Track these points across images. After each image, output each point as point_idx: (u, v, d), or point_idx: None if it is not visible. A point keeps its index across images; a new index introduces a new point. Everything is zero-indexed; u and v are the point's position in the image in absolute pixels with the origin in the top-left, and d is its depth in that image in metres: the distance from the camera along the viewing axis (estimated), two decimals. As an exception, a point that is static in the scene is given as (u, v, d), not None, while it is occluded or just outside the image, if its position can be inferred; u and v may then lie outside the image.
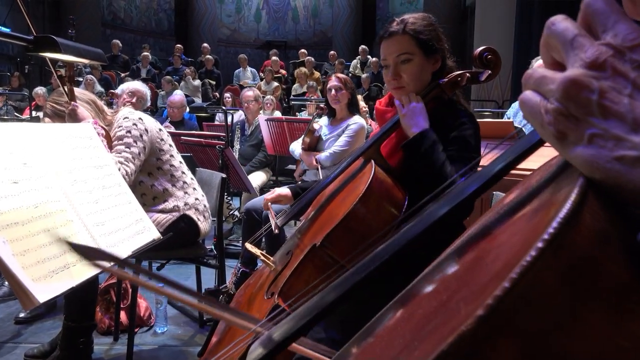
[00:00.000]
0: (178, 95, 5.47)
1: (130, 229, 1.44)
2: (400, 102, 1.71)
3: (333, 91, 3.49)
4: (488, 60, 1.71)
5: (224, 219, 4.45)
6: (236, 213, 4.53)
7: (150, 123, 2.51)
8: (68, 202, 1.24)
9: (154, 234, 1.53)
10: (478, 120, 1.82)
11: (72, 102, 2.25)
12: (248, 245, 1.75)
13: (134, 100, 3.63)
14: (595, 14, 0.39)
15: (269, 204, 2.04)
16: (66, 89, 2.24)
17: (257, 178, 4.76)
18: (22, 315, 2.96)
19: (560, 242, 0.34)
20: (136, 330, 2.90)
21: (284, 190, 2.09)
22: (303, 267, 1.54)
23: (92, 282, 2.39)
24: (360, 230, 1.52)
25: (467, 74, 1.73)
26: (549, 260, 0.34)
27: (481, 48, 1.73)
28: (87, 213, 1.29)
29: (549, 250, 0.34)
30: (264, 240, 3.41)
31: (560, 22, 0.41)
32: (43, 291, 1.01)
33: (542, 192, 0.44)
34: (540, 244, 0.34)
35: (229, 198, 5.08)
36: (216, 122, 6.93)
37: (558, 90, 0.39)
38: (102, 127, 2.35)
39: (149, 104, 3.90)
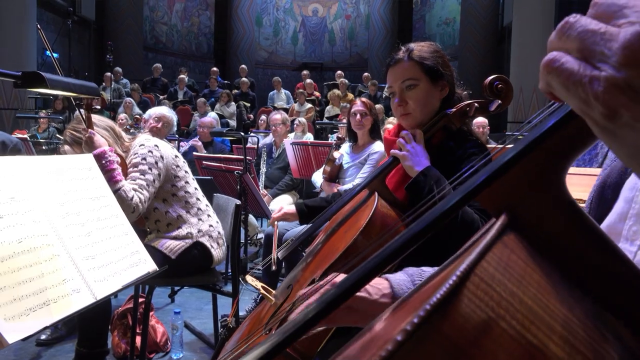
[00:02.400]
0: (209, 117, 5.61)
1: (124, 262, 1.43)
2: (398, 144, 1.67)
3: (358, 116, 3.45)
4: (499, 90, 1.65)
5: (249, 242, 4.46)
6: (259, 236, 4.52)
7: (166, 150, 2.54)
8: (56, 236, 1.23)
9: (150, 267, 1.51)
10: (503, 145, 1.75)
11: (89, 130, 2.28)
12: (248, 278, 1.72)
13: (159, 125, 3.70)
14: None
15: (276, 223, 2.03)
16: (84, 116, 2.29)
17: (283, 201, 4.74)
18: (43, 337, 3.00)
19: (423, 334, 0.29)
20: (152, 355, 2.90)
21: (290, 208, 2.07)
22: (302, 301, 1.50)
23: (105, 309, 2.41)
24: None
25: (475, 104, 1.68)
26: (407, 355, 0.29)
27: (492, 77, 1.67)
28: (77, 247, 1.28)
29: (409, 344, 0.29)
30: (284, 264, 3.38)
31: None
32: (15, 330, 1.00)
33: (452, 263, 0.40)
34: (399, 337, 0.29)
35: (257, 221, 5.09)
36: (248, 145, 7.00)
37: (619, 52, 0.30)
38: (118, 154, 2.38)
39: (175, 129, 3.96)
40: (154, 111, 3.90)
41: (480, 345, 0.29)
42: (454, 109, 1.70)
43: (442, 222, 0.44)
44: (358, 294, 0.94)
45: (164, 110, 3.89)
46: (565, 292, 0.35)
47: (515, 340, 0.30)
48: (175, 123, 3.93)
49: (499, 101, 1.65)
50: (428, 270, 0.79)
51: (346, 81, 10.93)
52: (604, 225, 0.55)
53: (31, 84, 1.11)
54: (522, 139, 0.42)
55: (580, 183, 1.86)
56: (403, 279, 0.75)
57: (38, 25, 2.29)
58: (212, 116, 6.76)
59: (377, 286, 0.82)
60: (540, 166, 0.40)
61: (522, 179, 0.40)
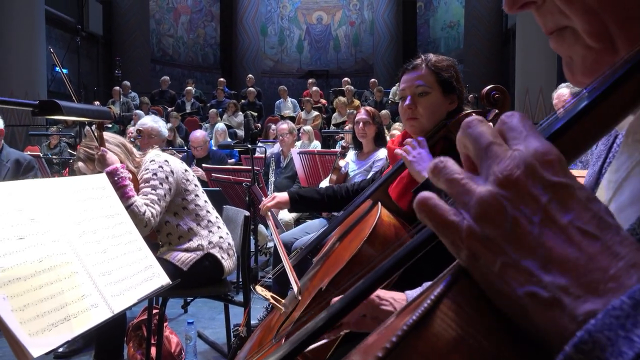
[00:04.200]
0: (199, 131, 5.50)
1: (139, 277, 1.49)
2: (404, 151, 1.72)
3: (361, 124, 3.51)
4: (495, 99, 1.70)
5: (259, 251, 4.51)
6: (269, 245, 4.58)
7: (176, 165, 2.61)
8: (74, 254, 1.30)
9: (164, 280, 1.58)
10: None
11: (101, 148, 2.36)
12: (258, 289, 1.78)
13: (146, 139, 3.51)
14: (509, 129, 0.38)
15: (269, 212, 2.10)
16: (95, 134, 2.36)
17: (292, 210, 4.80)
18: (60, 350, 3.07)
19: (400, 351, 0.34)
20: (167, 365, 2.96)
21: (282, 195, 2.13)
22: (310, 310, 1.55)
23: (121, 321, 2.48)
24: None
25: (473, 114, 1.73)
26: None
27: (489, 87, 1.72)
28: (94, 263, 1.35)
29: (388, 359, 0.34)
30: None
31: (476, 126, 0.39)
32: (39, 345, 1.06)
33: (432, 287, 0.45)
34: (379, 354, 0.34)
35: (267, 231, 5.15)
36: (256, 155, 7.07)
37: (474, 207, 0.36)
38: (129, 170, 2.46)
39: (165, 133, 3.74)
40: (139, 123, 3.76)
41: None
42: (453, 120, 1.75)
43: (426, 247, 0.49)
44: (385, 307, 1.06)
45: (145, 121, 3.74)
46: None
47: (482, 354, 0.35)
48: (163, 128, 3.72)
49: (496, 110, 1.70)
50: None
51: (352, 87, 11.00)
52: None
53: (48, 112, 1.18)
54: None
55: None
56: (418, 291, 0.82)
57: (51, 49, 2.37)
58: (219, 127, 6.83)
59: (401, 302, 0.87)
60: None
61: None
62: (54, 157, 7.39)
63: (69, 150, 8.62)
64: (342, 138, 7.39)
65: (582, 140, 0.43)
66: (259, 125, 10.96)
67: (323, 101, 11.31)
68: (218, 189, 3.69)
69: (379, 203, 1.67)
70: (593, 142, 0.44)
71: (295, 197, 2.12)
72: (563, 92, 3.36)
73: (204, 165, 4.75)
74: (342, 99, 9.91)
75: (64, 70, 2.35)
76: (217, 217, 2.74)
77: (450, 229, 0.37)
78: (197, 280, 2.54)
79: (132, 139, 5.74)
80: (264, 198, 3.58)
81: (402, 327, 0.35)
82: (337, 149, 5.58)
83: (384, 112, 7.32)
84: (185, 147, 5.77)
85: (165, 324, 2.99)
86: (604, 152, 0.67)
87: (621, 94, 0.42)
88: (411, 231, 1.63)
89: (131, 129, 7.54)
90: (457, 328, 0.36)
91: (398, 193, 1.80)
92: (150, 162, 2.54)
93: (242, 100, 11.67)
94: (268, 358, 0.60)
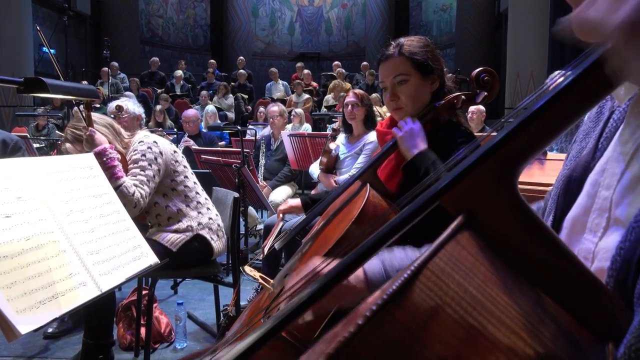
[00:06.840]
0: (191, 109, 5.58)
1: (127, 256, 1.49)
2: (396, 127, 1.72)
3: (350, 107, 3.51)
4: (485, 82, 1.71)
5: (249, 234, 4.52)
6: (259, 227, 4.59)
7: (165, 146, 2.59)
8: (62, 233, 1.30)
9: (152, 260, 1.58)
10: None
11: (90, 128, 2.34)
12: (247, 269, 1.79)
13: (122, 122, 3.41)
14: None
15: (281, 215, 2.10)
16: (84, 115, 2.34)
17: (282, 192, 4.81)
18: (50, 330, 3.08)
19: (380, 319, 0.35)
20: (157, 346, 2.98)
21: (295, 201, 2.13)
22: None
23: (110, 301, 2.48)
24: (354, 254, 1.54)
25: (462, 96, 1.73)
26: (366, 337, 0.35)
27: (478, 69, 1.73)
28: (82, 242, 1.34)
29: (368, 327, 0.35)
30: (283, 254, 3.45)
31: None
32: (26, 322, 1.07)
33: (417, 258, 0.45)
34: (360, 321, 0.35)
35: (257, 213, 5.16)
36: (247, 137, 7.04)
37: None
38: (118, 150, 2.44)
39: (133, 112, 3.56)
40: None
41: (428, 328, 0.35)
42: (442, 102, 1.75)
43: (404, 228, 0.49)
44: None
45: (116, 102, 3.62)
46: (509, 281, 0.41)
47: (458, 323, 0.36)
48: (130, 109, 3.56)
49: (485, 93, 1.71)
50: (396, 250, 0.87)
51: (343, 71, 10.94)
52: (569, 217, 0.61)
53: (33, 89, 1.16)
54: (482, 146, 0.48)
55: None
56: (374, 263, 0.85)
57: (37, 27, 2.33)
58: (209, 109, 6.79)
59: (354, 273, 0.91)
60: (495, 172, 0.45)
61: (479, 184, 0.45)
62: (41, 137, 7.31)
63: (57, 131, 8.53)
64: (335, 121, 7.37)
65: (564, 116, 0.45)
66: (250, 107, 10.90)
67: (314, 84, 11.26)
68: (208, 170, 3.68)
69: (368, 184, 1.68)
70: (576, 118, 0.46)
71: (307, 201, 2.12)
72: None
73: (193, 147, 4.73)
74: (340, 82, 9.87)
75: (52, 51, 2.32)
76: (206, 199, 2.74)
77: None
78: (187, 261, 2.55)
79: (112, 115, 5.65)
80: (256, 182, 3.61)
81: (383, 296, 0.36)
82: (329, 131, 5.58)
83: (374, 95, 7.30)
84: (175, 129, 5.74)
85: (154, 305, 3.00)
86: (595, 129, 0.67)
87: (597, 77, 0.43)
88: (395, 208, 1.64)
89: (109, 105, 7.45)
90: (436, 298, 0.36)
91: (387, 175, 1.80)
92: (138, 143, 2.52)
93: (233, 83, 11.59)
94: (252, 333, 0.60)
